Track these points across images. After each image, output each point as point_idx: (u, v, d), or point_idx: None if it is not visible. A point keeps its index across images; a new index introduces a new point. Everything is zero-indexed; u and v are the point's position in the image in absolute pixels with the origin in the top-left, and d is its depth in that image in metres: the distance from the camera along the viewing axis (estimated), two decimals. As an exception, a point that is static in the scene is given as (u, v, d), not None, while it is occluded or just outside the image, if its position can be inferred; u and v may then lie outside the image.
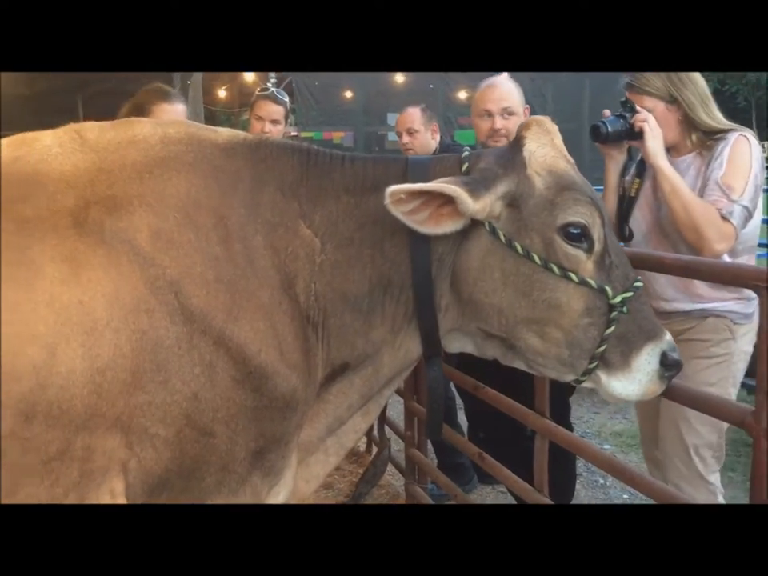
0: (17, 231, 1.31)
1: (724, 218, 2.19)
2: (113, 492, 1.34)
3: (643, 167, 2.45)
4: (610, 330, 1.55)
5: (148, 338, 1.34)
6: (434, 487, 3.31)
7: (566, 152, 1.63)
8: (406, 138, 3.71)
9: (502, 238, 1.54)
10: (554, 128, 1.64)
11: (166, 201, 1.44)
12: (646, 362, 1.58)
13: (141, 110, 2.73)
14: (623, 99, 2.38)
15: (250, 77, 11.35)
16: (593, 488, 3.88)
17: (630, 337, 1.57)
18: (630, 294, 1.57)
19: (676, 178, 2.24)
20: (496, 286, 1.56)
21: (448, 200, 1.51)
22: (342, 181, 1.62)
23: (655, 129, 2.26)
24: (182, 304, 1.38)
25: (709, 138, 2.35)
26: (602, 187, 2.50)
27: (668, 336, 1.62)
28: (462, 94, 13.85)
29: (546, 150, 1.59)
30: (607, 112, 2.36)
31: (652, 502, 1.84)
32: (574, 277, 1.54)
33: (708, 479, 2.37)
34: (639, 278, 1.63)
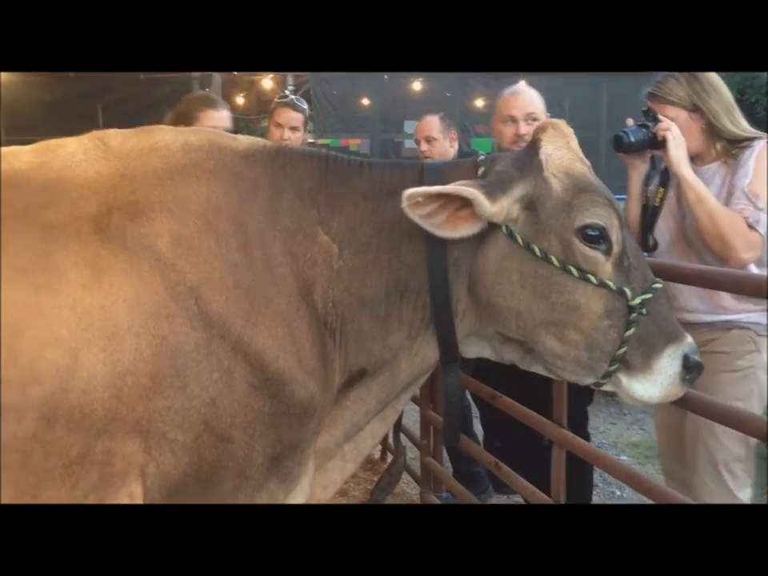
0: (41, 236, 1.33)
1: (750, 226, 2.16)
2: (131, 496, 1.35)
3: (667, 176, 2.43)
4: (629, 332, 1.54)
5: (168, 343, 1.35)
6: (449, 496, 3.30)
7: (582, 154, 1.63)
8: (424, 146, 3.72)
9: (520, 240, 1.54)
10: (570, 131, 1.64)
11: (187, 207, 1.45)
12: (668, 364, 1.57)
13: (186, 118, 2.77)
14: (645, 109, 2.37)
15: (268, 84, 11.40)
16: (609, 499, 3.86)
17: (650, 339, 1.56)
18: (649, 295, 1.56)
19: (700, 186, 2.23)
20: (514, 289, 1.56)
21: (465, 203, 1.51)
22: (359, 187, 1.63)
23: (678, 138, 2.25)
24: (202, 310, 1.39)
25: (734, 147, 2.33)
26: (621, 196, 2.49)
27: (689, 338, 1.61)
28: (479, 102, 13.84)
29: (563, 152, 1.59)
30: (630, 121, 2.35)
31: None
32: (592, 279, 1.53)
33: (738, 495, 2.31)
34: (658, 279, 1.62)
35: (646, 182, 2.44)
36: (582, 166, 1.60)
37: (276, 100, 3.56)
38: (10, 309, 1.25)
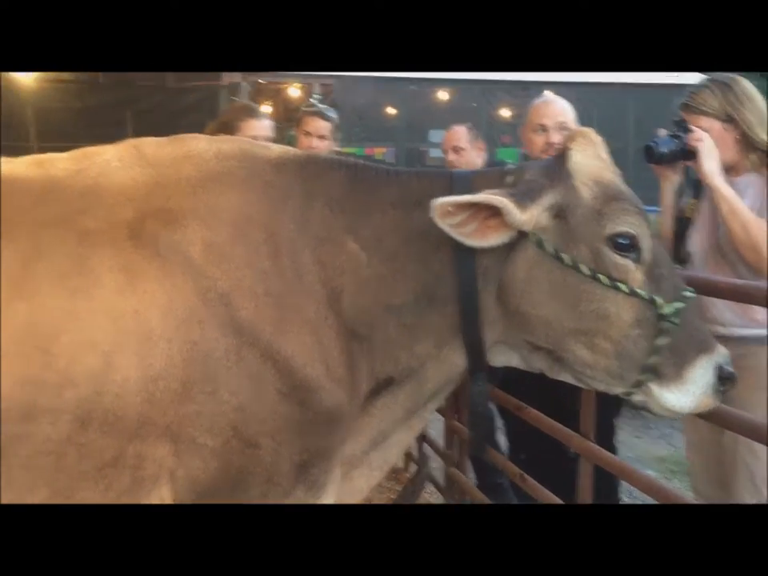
0: (78, 242, 1.35)
1: None
2: (162, 499, 1.36)
3: (699, 188, 2.41)
4: (660, 341, 1.53)
5: (199, 349, 1.36)
6: (473, 507, 3.28)
7: (611, 163, 1.62)
8: (452, 156, 3.72)
9: (549, 249, 1.53)
10: (599, 139, 1.63)
11: (219, 215, 1.47)
12: (701, 374, 1.55)
13: (228, 128, 2.82)
14: (677, 119, 2.35)
15: (294, 92, 11.49)
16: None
17: (682, 348, 1.55)
18: (680, 304, 1.54)
19: (734, 198, 2.20)
20: (543, 298, 1.55)
21: (494, 212, 1.51)
22: (388, 195, 1.64)
23: (711, 148, 2.23)
24: (232, 316, 1.40)
25: None
26: (649, 207, 2.47)
27: (722, 348, 1.59)
28: (505, 112, 13.83)
29: (592, 160, 1.58)
30: (662, 131, 2.33)
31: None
32: (623, 287, 1.52)
33: None
34: (689, 288, 1.60)
35: (679, 193, 2.42)
36: (611, 175, 1.60)
37: (304, 109, 3.59)
38: (47, 312, 1.28)
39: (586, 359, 1.58)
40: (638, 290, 1.53)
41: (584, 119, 2.95)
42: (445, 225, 1.50)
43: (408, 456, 3.92)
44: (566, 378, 1.67)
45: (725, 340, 2.27)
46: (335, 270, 1.55)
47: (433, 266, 1.59)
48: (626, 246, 1.54)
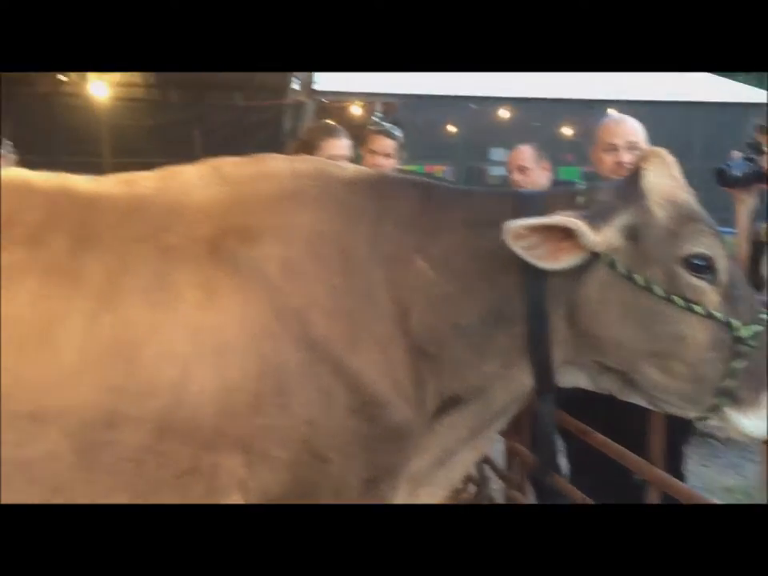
0: (160, 258, 1.41)
1: None
2: (234, 509, 1.39)
3: None
4: (737, 365, 1.49)
5: (272, 363, 1.39)
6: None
7: (685, 183, 1.60)
8: (517, 176, 3.71)
9: (622, 270, 1.52)
10: (672, 159, 1.61)
11: (294, 232, 1.51)
12: None
13: (309, 147, 2.88)
14: (751, 141, 2.30)
15: (357, 110, 11.66)
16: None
17: (760, 372, 1.50)
18: (758, 327, 1.50)
19: None
20: (615, 319, 1.53)
21: (567, 234, 1.50)
22: (458, 214, 1.65)
23: None
24: (305, 332, 1.43)
25: None
26: (724, 229, 2.41)
27: None
28: (567, 130, 13.70)
29: (666, 180, 1.56)
30: (736, 154, 2.28)
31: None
32: (698, 309, 1.49)
33: None
34: (766, 311, 1.56)
35: (754, 216, 2.36)
36: (685, 195, 1.57)
37: (370, 128, 3.64)
38: (130, 325, 1.33)
39: (659, 382, 1.55)
40: (714, 312, 1.50)
41: (650, 138, 2.90)
42: (517, 247, 1.50)
43: (468, 477, 3.88)
44: (638, 400, 1.64)
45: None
46: (405, 287, 1.56)
47: (501, 285, 1.59)
48: (702, 267, 1.51)
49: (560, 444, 3.38)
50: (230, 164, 1.61)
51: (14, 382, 1.24)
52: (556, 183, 3.71)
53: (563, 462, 3.29)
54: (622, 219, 1.53)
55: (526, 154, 3.72)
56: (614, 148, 2.85)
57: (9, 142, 2.53)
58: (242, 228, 1.48)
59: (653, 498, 2.15)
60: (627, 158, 2.78)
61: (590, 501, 2.52)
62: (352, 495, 1.49)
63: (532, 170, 3.68)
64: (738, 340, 1.49)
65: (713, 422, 1.58)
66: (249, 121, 7.97)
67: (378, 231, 1.58)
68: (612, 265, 1.52)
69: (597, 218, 1.52)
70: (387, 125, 3.67)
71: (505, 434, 3.16)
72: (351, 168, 1.70)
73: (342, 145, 3.00)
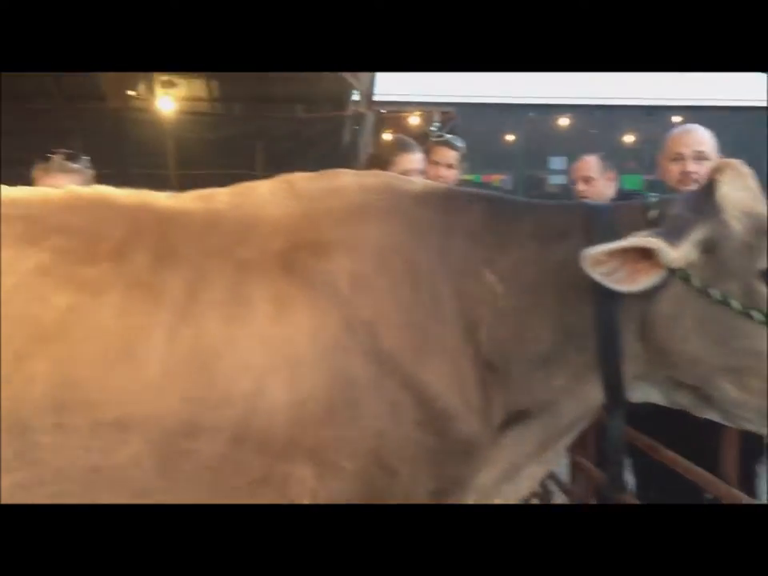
0: (235, 271, 1.45)
1: None
2: (305, 519, 1.42)
3: None
4: None
5: (342, 376, 1.42)
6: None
7: (761, 195, 1.56)
8: (581, 186, 3.66)
9: (697, 284, 1.48)
10: (748, 171, 1.57)
11: (364, 246, 1.53)
12: None
13: (383, 163, 2.90)
14: None
15: (414, 120, 11.72)
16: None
17: None
18: None
19: None
20: (689, 334, 1.50)
21: (645, 253, 1.48)
22: (526, 228, 1.64)
23: None
24: (374, 345, 1.45)
25: None
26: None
27: None
28: (628, 138, 13.46)
29: (742, 192, 1.52)
30: None
31: None
32: None
33: None
34: None
35: None
36: (762, 206, 1.53)
37: (433, 138, 3.65)
38: (207, 337, 1.38)
39: (735, 398, 1.51)
40: None
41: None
42: (596, 274, 1.47)
43: (531, 491, 3.83)
44: (713, 416, 1.61)
45: None
46: (473, 301, 1.57)
47: (571, 299, 1.58)
48: None
49: (627, 459, 3.32)
50: (301, 179, 1.64)
51: (100, 391, 1.30)
52: (621, 193, 3.66)
53: (630, 478, 3.23)
54: (698, 234, 1.50)
55: (591, 164, 3.67)
56: (680, 157, 2.81)
57: (86, 157, 2.64)
58: (313, 242, 1.51)
59: (726, 517, 2.09)
60: (693, 167, 2.73)
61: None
62: (420, 507, 1.50)
63: (597, 180, 3.63)
64: None
65: None
66: (309, 133, 8.08)
67: (446, 245, 1.59)
68: (687, 279, 1.49)
69: (673, 233, 1.49)
70: (449, 135, 3.68)
71: (569, 448, 3.11)
72: (419, 182, 1.72)
73: (415, 159, 3.00)
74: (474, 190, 1.76)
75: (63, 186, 2.30)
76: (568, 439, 1.76)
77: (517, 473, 1.71)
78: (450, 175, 3.42)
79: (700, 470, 2.21)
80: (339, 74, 7.23)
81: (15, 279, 1.33)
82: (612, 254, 1.46)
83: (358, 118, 7.51)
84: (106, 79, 7.80)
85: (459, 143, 3.56)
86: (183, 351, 1.35)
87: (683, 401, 1.62)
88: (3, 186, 1.53)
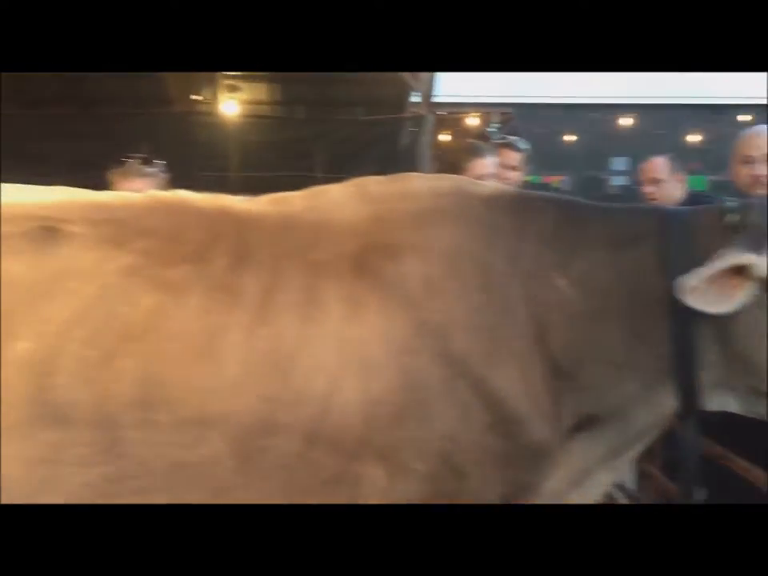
0: (308, 273, 1.48)
1: None
2: (376, 519, 1.43)
3: None
4: None
5: (413, 377, 1.43)
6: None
7: None
8: (649, 188, 3.59)
9: None
10: None
11: (435, 249, 1.54)
12: None
13: (455, 169, 2.90)
14: None
15: (473, 121, 11.67)
16: None
17: None
18: None
19: None
20: None
21: (737, 270, 1.43)
22: (599, 232, 1.62)
23: None
24: (445, 348, 1.45)
25: None
26: None
27: None
28: (693, 138, 13.10)
29: None
30: None
31: None
32: None
33: None
34: None
35: None
36: None
37: (496, 141, 3.64)
38: (283, 337, 1.41)
39: None
40: None
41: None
42: (695, 302, 1.43)
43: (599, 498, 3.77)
44: None
45: None
46: (544, 305, 1.56)
47: (644, 304, 1.56)
48: None
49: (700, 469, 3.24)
50: (373, 183, 1.67)
51: (182, 389, 1.34)
52: (691, 195, 3.57)
53: (701, 488, 3.15)
54: None
55: (659, 165, 3.59)
56: (750, 160, 2.74)
57: (161, 162, 2.72)
58: (384, 245, 1.53)
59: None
60: (763, 170, 2.67)
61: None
62: (489, 511, 1.51)
63: (666, 182, 3.55)
64: None
65: None
66: (368, 135, 8.13)
67: (516, 248, 1.59)
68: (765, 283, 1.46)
69: (759, 242, 1.44)
70: (513, 137, 3.66)
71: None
72: (490, 186, 1.72)
73: (487, 163, 2.98)
74: (546, 193, 1.75)
75: (139, 189, 2.39)
76: (639, 447, 1.73)
77: (586, 479, 1.69)
78: (514, 177, 3.40)
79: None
80: (399, 76, 7.26)
81: (103, 281, 1.38)
82: (710, 278, 1.42)
83: (417, 120, 7.51)
84: (173, 84, 8.02)
85: (523, 145, 3.54)
86: (260, 351, 1.39)
87: (765, 411, 1.57)
88: (85, 190, 1.60)
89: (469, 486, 1.47)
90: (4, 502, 1.29)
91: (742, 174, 2.78)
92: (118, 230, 1.45)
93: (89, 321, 1.35)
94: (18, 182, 1.60)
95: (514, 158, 3.44)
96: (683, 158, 3.82)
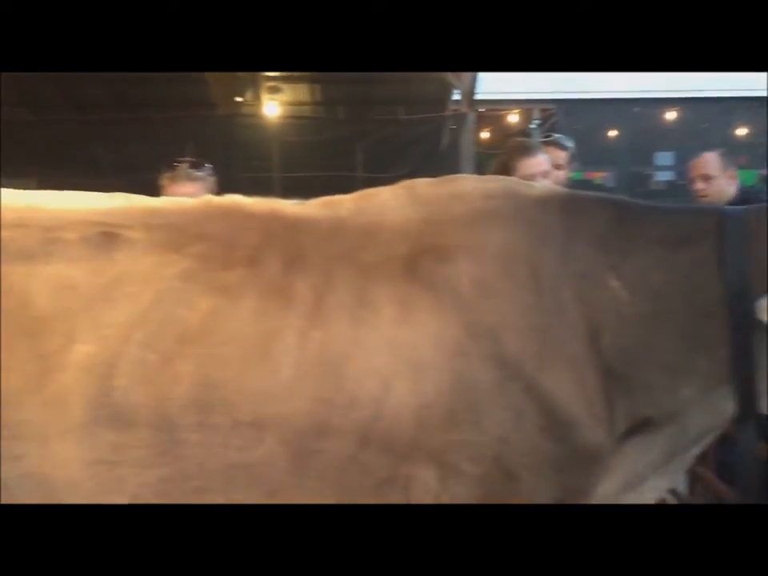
0: (359, 275, 1.48)
1: None
2: (428, 521, 1.44)
3: None
4: None
5: (464, 380, 1.42)
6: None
7: None
8: (700, 185, 3.52)
9: None
10: None
11: (486, 251, 1.53)
12: None
13: (506, 168, 2.89)
14: None
15: (513, 118, 11.56)
16: None
17: None
18: None
19: None
20: None
21: None
22: (652, 232, 1.60)
23: None
24: (497, 350, 1.45)
25: None
26: None
27: None
28: (741, 131, 12.77)
29: None
30: None
31: None
32: None
33: None
34: None
35: None
36: None
37: (541, 139, 3.60)
38: (335, 340, 1.42)
39: None
40: None
41: None
42: None
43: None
44: None
45: None
46: (596, 307, 1.54)
47: (701, 306, 1.53)
48: None
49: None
50: (423, 185, 1.66)
51: (238, 392, 1.36)
52: (742, 192, 3.49)
53: (758, 491, 3.08)
54: None
55: (710, 161, 3.52)
56: None
57: (209, 165, 2.76)
58: (435, 247, 1.53)
59: None
60: None
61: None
62: (542, 515, 1.50)
63: (717, 178, 3.48)
64: None
65: None
66: (409, 134, 8.13)
67: (568, 249, 1.57)
68: None
69: None
70: (557, 135, 3.62)
71: (687, 457, 3.00)
72: (541, 187, 1.71)
73: (536, 162, 2.95)
74: (597, 193, 1.73)
75: (190, 193, 2.43)
76: (695, 451, 1.70)
77: (640, 484, 1.67)
78: (560, 176, 3.36)
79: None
80: (441, 74, 7.24)
81: (161, 285, 1.41)
82: None
83: (458, 118, 7.48)
84: (216, 86, 8.13)
85: (568, 143, 3.50)
86: (313, 353, 1.40)
87: None
88: (141, 196, 1.62)
89: (520, 489, 1.46)
90: (68, 502, 1.32)
91: None
92: (174, 235, 1.48)
93: (147, 324, 1.38)
94: (67, 186, 1.63)
95: (559, 156, 3.40)
96: (731, 152, 3.73)
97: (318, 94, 9.52)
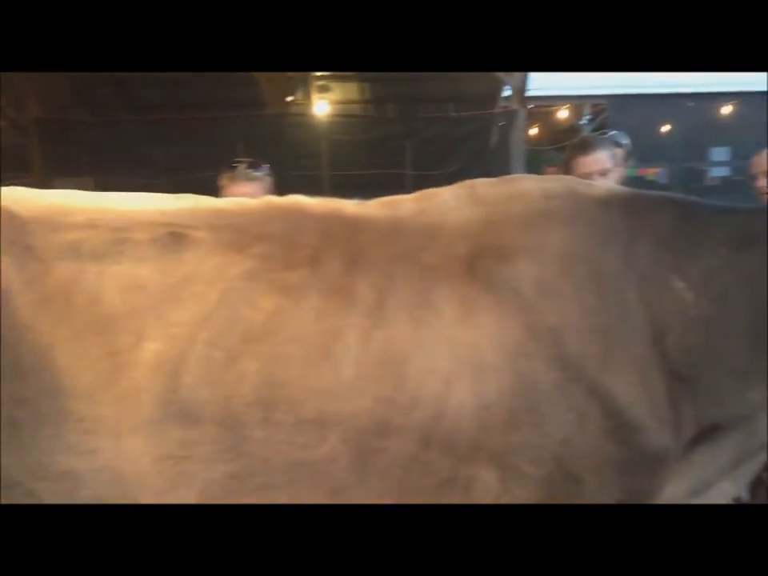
0: (420, 276, 1.49)
1: None
2: (490, 523, 1.43)
3: None
4: None
5: (526, 381, 1.42)
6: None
7: None
8: (762, 181, 3.42)
9: None
10: None
11: (547, 251, 1.52)
12: None
13: (568, 167, 2.87)
14: None
15: (563, 114, 11.39)
16: None
17: None
18: None
19: None
20: None
21: None
22: (719, 233, 1.57)
23: None
24: (559, 351, 1.43)
25: None
26: None
27: None
28: (800, 125, 12.31)
29: None
30: None
31: None
32: None
33: None
34: None
35: None
36: None
37: (597, 136, 3.55)
38: (396, 340, 1.42)
39: None
40: None
41: None
42: None
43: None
44: None
45: None
46: (660, 308, 1.51)
47: (766, 308, 1.49)
48: None
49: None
50: (483, 185, 1.66)
51: (301, 390, 1.38)
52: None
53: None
54: None
55: None
56: None
57: (266, 165, 2.78)
58: (496, 247, 1.52)
59: None
60: None
61: None
62: (604, 519, 1.48)
63: None
64: None
65: None
66: (460, 132, 8.06)
67: (631, 250, 1.55)
68: None
69: None
70: (613, 132, 3.56)
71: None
72: (602, 187, 1.68)
73: (595, 160, 2.89)
74: (660, 192, 1.70)
75: (248, 193, 2.47)
76: (763, 457, 1.66)
77: (706, 490, 1.64)
78: (616, 173, 3.30)
79: None
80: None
81: (226, 285, 1.44)
82: None
83: (509, 115, 7.40)
84: (267, 86, 8.21)
85: (623, 140, 3.43)
86: (375, 353, 1.41)
87: None
88: (206, 197, 1.65)
89: (583, 491, 1.45)
90: (137, 498, 1.36)
91: None
92: (238, 235, 1.50)
93: (213, 324, 1.41)
94: (121, 185, 1.66)
95: (615, 153, 3.34)
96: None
97: (368, 92, 9.52)
